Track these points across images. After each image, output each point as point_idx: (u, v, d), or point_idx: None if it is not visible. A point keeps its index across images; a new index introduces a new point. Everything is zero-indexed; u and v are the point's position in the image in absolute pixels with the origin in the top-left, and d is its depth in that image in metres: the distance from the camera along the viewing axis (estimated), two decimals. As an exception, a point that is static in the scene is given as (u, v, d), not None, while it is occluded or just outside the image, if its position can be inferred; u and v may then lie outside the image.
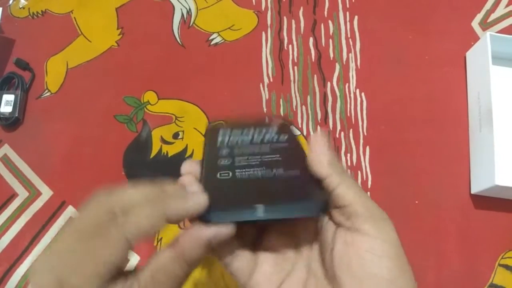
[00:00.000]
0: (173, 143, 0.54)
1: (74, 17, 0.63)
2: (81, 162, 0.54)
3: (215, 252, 0.23)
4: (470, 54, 0.54)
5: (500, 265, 0.46)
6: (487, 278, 0.46)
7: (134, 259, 0.49)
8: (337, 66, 0.56)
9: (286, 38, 0.58)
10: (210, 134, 0.29)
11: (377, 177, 0.51)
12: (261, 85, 0.56)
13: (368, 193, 0.50)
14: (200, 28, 0.60)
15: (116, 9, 0.62)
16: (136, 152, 0.54)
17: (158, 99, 0.57)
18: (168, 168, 0.52)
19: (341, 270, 0.21)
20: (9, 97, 0.57)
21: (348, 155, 0.52)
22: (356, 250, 0.21)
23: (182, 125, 0.55)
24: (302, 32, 0.59)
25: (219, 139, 0.28)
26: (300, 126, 0.54)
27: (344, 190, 0.22)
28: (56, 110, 0.58)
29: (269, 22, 0.59)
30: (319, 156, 0.23)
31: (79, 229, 0.20)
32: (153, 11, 0.62)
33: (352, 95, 0.55)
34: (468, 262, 0.46)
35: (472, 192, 0.49)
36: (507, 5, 0.58)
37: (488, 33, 0.49)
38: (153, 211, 0.21)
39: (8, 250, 0.51)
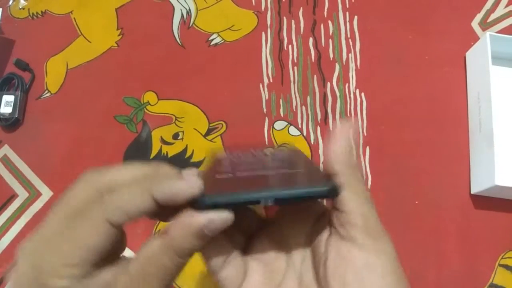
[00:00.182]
0: (173, 143, 0.54)
1: (74, 18, 0.63)
2: (81, 163, 0.54)
3: (204, 253, 0.21)
4: (470, 54, 0.54)
5: (500, 265, 0.46)
6: (487, 278, 0.46)
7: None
8: (337, 66, 0.56)
9: (286, 38, 0.58)
10: (211, 156, 0.28)
11: (377, 177, 0.51)
12: (261, 86, 0.56)
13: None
14: (200, 28, 0.60)
15: (116, 9, 0.63)
16: (136, 153, 0.54)
17: (158, 99, 0.57)
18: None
19: (334, 285, 0.19)
20: (9, 98, 0.57)
21: (348, 155, 0.52)
22: (351, 264, 0.19)
23: (182, 126, 0.55)
24: (302, 32, 0.59)
25: (219, 157, 0.27)
26: (300, 126, 0.54)
27: (348, 195, 0.20)
28: (56, 111, 0.58)
29: (269, 23, 0.59)
30: (334, 150, 0.20)
31: (64, 210, 0.19)
32: (153, 11, 0.62)
33: (352, 95, 0.55)
34: (468, 262, 0.46)
35: (472, 192, 0.49)
36: (507, 5, 0.58)
37: (488, 33, 0.49)
38: (138, 189, 0.19)
39: (8, 250, 0.51)
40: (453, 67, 0.55)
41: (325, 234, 0.21)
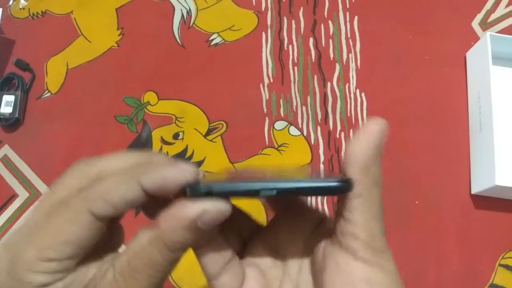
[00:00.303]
0: (173, 143, 0.54)
1: (74, 18, 0.63)
2: (81, 163, 0.54)
3: (201, 256, 0.19)
4: (470, 54, 0.54)
5: (500, 265, 0.46)
6: (488, 278, 0.46)
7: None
8: (337, 67, 0.56)
9: (286, 38, 0.58)
10: (219, 171, 0.27)
11: (377, 177, 0.51)
12: (261, 86, 0.56)
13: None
14: (200, 28, 0.60)
15: (116, 9, 0.62)
16: (136, 153, 0.54)
17: (158, 99, 0.57)
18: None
19: None
20: (9, 98, 0.57)
21: (348, 155, 0.52)
22: (349, 278, 0.18)
23: (182, 126, 0.55)
24: (302, 33, 0.59)
25: (228, 170, 0.26)
26: (300, 126, 0.54)
27: (358, 205, 0.17)
28: (56, 111, 0.58)
29: (269, 23, 0.59)
30: (355, 151, 0.18)
31: (49, 200, 0.18)
32: (153, 11, 0.62)
33: (352, 95, 0.55)
34: (468, 262, 0.46)
35: (473, 192, 0.49)
36: (507, 5, 0.58)
37: (488, 33, 0.49)
38: (124, 177, 0.17)
39: (8, 250, 0.51)
40: (453, 67, 0.55)
41: (323, 242, 0.20)
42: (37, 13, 0.63)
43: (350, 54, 0.57)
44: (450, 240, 0.48)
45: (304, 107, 0.55)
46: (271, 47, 0.58)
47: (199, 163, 0.53)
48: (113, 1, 0.63)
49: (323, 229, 0.21)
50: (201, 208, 0.16)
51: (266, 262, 0.21)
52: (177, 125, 0.55)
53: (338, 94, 0.55)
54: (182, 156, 0.54)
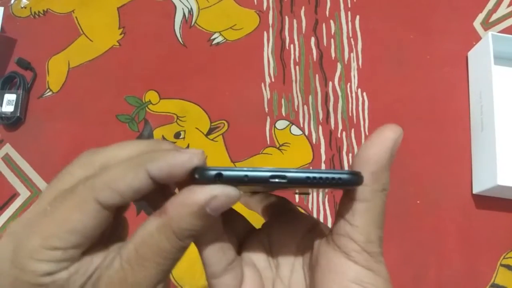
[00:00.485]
0: (174, 143, 0.54)
1: (76, 17, 0.63)
2: (82, 162, 0.54)
3: (205, 254, 0.18)
4: (472, 54, 0.54)
5: (501, 265, 0.46)
6: (489, 278, 0.46)
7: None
8: (339, 66, 0.56)
9: (287, 37, 0.58)
10: None
11: (378, 177, 0.51)
12: (262, 85, 0.56)
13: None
14: (202, 27, 0.60)
15: (118, 8, 0.62)
16: (137, 152, 0.54)
17: (160, 98, 0.57)
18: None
19: None
20: (10, 97, 0.57)
21: (350, 154, 0.52)
22: (341, 278, 0.18)
23: (184, 125, 0.55)
24: (303, 32, 0.59)
25: None
26: (301, 125, 0.54)
27: (361, 210, 0.18)
28: (58, 110, 0.58)
29: (270, 22, 0.59)
30: (368, 154, 0.18)
31: (55, 189, 0.17)
32: (155, 10, 0.62)
33: (353, 94, 0.55)
34: (469, 262, 0.46)
35: (474, 192, 0.49)
36: (509, 5, 0.58)
37: (490, 33, 0.49)
38: (131, 165, 0.16)
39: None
40: (454, 67, 0.55)
41: (317, 243, 0.20)
42: (39, 12, 0.63)
43: (351, 54, 0.57)
44: (451, 240, 0.48)
45: (305, 107, 0.55)
46: (272, 46, 0.58)
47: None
48: (115, 0, 0.63)
49: (315, 233, 0.22)
50: (210, 194, 0.16)
51: (261, 263, 0.22)
52: (178, 124, 0.55)
53: (339, 93, 0.55)
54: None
